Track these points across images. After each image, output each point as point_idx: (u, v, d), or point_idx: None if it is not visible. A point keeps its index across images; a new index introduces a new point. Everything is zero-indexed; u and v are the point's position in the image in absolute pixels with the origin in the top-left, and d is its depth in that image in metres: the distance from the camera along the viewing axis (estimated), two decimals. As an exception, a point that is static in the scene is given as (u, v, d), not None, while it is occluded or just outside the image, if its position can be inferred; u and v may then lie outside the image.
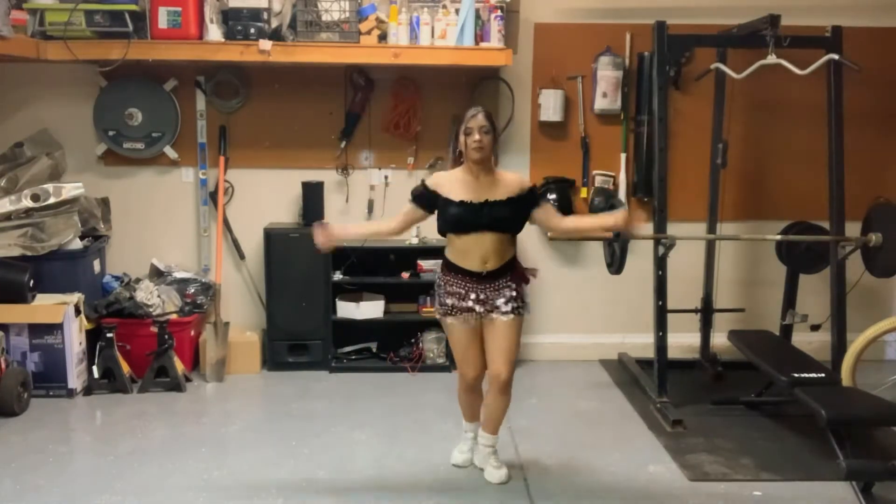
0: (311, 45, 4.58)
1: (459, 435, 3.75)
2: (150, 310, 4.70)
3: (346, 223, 3.42)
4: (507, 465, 3.58)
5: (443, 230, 3.35)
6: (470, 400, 3.61)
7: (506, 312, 3.31)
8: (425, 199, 3.34)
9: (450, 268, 3.35)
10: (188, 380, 4.75)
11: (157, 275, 5.03)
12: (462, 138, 3.26)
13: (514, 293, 3.32)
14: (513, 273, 3.35)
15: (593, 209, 4.90)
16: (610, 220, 3.46)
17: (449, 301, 3.34)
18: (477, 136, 3.21)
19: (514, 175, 3.42)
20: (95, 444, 3.97)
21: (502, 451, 3.80)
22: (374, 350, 5.15)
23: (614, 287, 5.04)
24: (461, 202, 3.25)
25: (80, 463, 3.74)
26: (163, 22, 4.47)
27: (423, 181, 3.41)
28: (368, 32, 4.61)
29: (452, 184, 3.30)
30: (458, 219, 3.26)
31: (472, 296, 3.30)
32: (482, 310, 3.31)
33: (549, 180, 5.07)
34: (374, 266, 5.04)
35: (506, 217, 3.27)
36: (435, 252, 3.34)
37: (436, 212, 3.35)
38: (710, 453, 3.83)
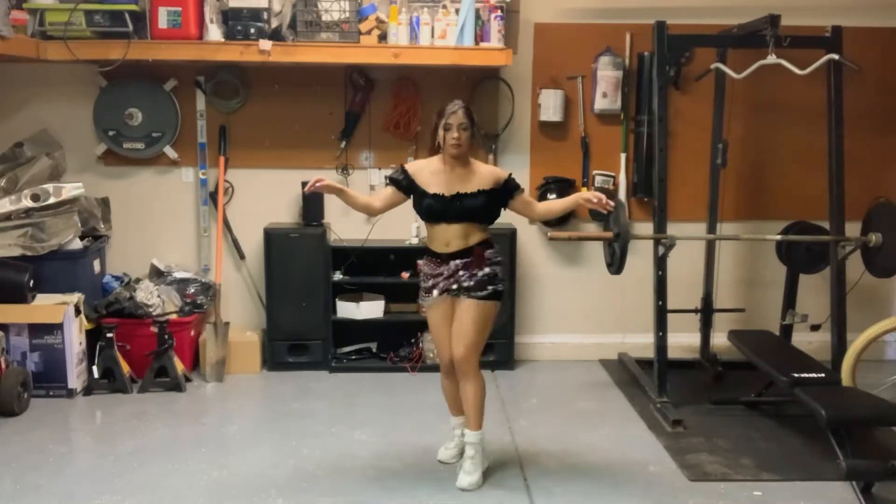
0: (311, 45, 4.59)
1: (459, 435, 3.74)
2: (150, 310, 4.70)
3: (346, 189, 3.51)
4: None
5: (419, 216, 3.49)
6: (448, 387, 3.61)
7: (468, 291, 3.35)
8: (403, 183, 3.43)
9: (426, 251, 3.51)
10: (188, 380, 4.75)
11: (157, 275, 5.03)
12: (441, 132, 3.33)
13: (482, 274, 3.35)
14: (472, 255, 3.38)
15: (593, 210, 4.90)
16: (581, 195, 3.48)
17: (423, 284, 3.50)
18: (455, 134, 3.30)
19: (491, 168, 3.54)
20: (95, 444, 3.97)
21: (502, 452, 3.80)
22: (374, 350, 5.15)
23: (614, 287, 5.04)
24: (434, 195, 3.36)
25: (80, 463, 3.74)
26: (163, 22, 4.47)
27: (401, 166, 3.49)
28: (368, 32, 4.61)
29: (430, 174, 3.39)
30: (429, 210, 3.39)
31: (438, 276, 3.42)
32: (446, 289, 3.39)
33: (549, 180, 5.07)
34: (374, 266, 5.04)
35: (474, 208, 3.35)
36: (435, 252, 3.34)
37: (412, 197, 3.45)
38: (710, 453, 3.83)
